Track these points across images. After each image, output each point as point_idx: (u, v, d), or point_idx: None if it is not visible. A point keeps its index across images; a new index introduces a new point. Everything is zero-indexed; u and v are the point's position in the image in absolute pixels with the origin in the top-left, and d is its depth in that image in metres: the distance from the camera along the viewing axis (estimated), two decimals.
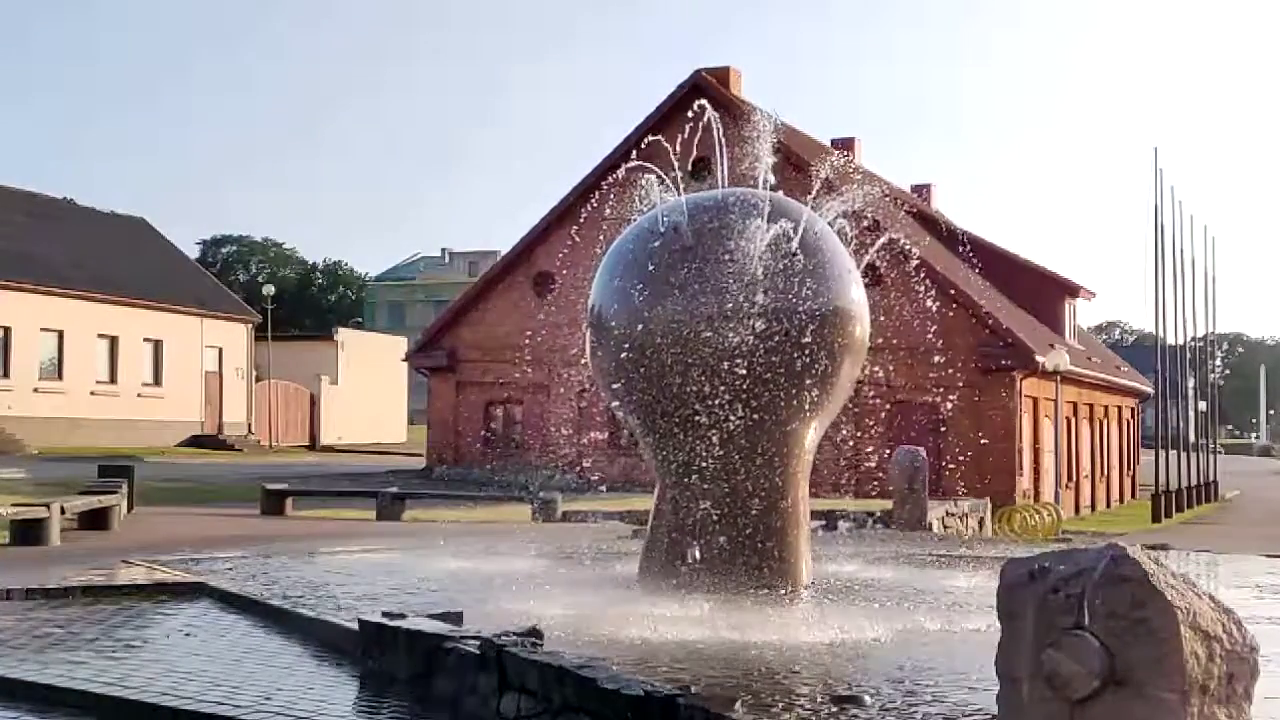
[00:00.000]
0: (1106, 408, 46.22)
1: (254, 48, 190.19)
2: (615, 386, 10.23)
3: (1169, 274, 44.89)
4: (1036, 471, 35.91)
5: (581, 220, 28.05)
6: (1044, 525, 28.00)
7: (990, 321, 33.16)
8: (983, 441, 31.84)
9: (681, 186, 10.57)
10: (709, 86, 34.28)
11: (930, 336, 25.25)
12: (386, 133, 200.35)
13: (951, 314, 31.63)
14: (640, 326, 9.78)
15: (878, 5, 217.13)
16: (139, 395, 46.68)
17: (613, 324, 10.09)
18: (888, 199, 30.91)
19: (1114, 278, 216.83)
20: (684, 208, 10.12)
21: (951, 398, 29.97)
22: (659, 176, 10.57)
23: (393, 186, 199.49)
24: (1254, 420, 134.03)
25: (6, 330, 42.28)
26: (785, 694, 6.24)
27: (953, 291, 32.71)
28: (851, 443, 31.77)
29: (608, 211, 11.48)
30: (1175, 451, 43.76)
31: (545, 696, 5.51)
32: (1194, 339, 52.74)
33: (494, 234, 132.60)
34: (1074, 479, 40.33)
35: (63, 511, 16.24)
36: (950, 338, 29.40)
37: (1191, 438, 49.99)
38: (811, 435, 10.22)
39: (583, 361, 10.78)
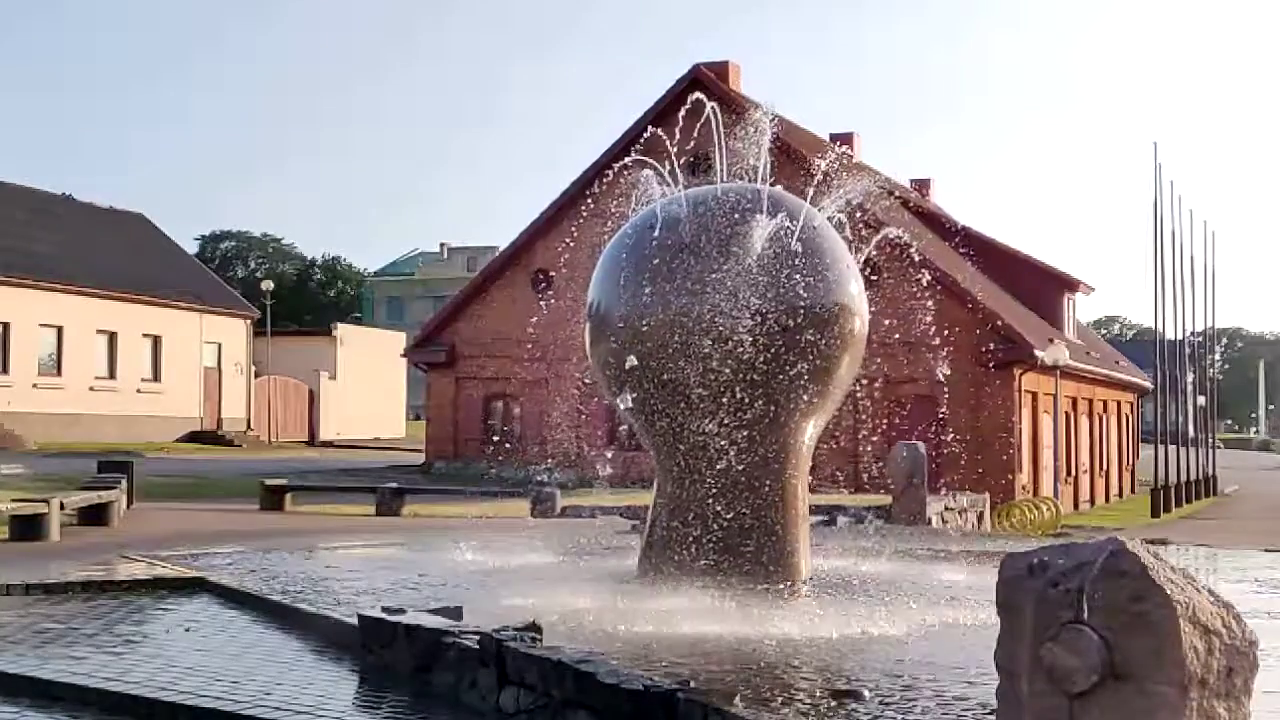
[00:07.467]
0: (1106, 403, 46.22)
1: (253, 44, 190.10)
2: (614, 382, 10.22)
3: (1168, 269, 45.00)
4: (1035, 466, 35.92)
5: (580, 215, 28.01)
6: (1043, 520, 28.01)
7: (990, 316, 33.15)
8: (982, 437, 31.86)
9: (680, 181, 10.56)
10: (708, 81, 34.23)
11: (929, 331, 25.23)
12: (385, 128, 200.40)
13: (951, 309, 31.61)
14: (639, 321, 9.78)
15: (877, 1, 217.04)
16: (138, 391, 46.68)
17: (612, 319, 10.09)
18: (887, 193, 30.91)
19: (1113, 272, 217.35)
20: (683, 202, 10.12)
21: (950, 392, 29.96)
22: (658, 171, 10.56)
23: (391, 182, 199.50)
24: (1253, 415, 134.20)
25: (5, 326, 42.26)
26: (785, 688, 6.25)
27: (952, 286, 32.70)
28: (851, 436, 31.84)
29: (608, 207, 11.46)
30: (1174, 446, 43.80)
31: (545, 691, 5.51)
32: (1193, 334, 52.77)
33: (493, 229, 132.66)
34: (1073, 474, 40.35)
35: (62, 507, 16.25)
36: (949, 333, 29.39)
37: (1190, 433, 50.01)
38: (810, 430, 10.22)
39: (582, 357, 10.78)
